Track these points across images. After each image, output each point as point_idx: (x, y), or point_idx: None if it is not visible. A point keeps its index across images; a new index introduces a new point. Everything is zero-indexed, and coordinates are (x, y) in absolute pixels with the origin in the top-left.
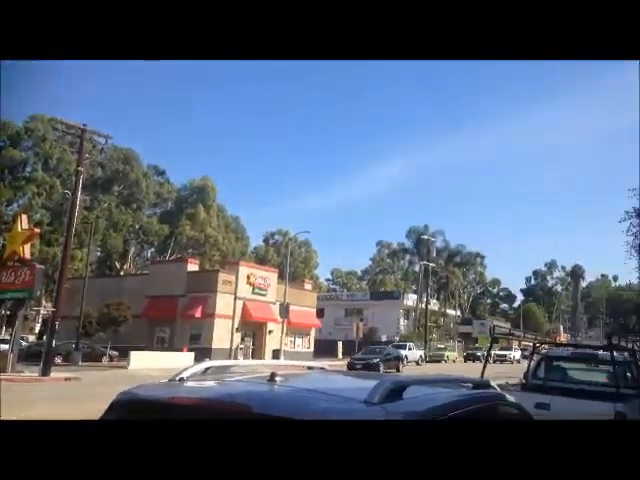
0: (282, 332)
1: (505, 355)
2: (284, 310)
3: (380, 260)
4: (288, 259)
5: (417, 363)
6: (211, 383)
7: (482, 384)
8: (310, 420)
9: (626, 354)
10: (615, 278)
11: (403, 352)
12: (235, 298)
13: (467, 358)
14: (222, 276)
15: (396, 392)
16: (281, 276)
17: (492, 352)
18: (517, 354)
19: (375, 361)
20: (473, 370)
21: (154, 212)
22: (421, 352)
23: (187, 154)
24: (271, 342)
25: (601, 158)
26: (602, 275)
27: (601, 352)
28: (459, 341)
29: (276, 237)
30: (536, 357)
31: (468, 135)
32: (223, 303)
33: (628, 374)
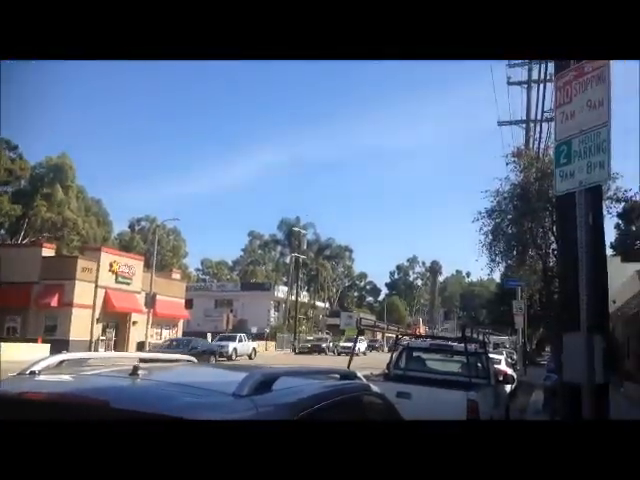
0: (148, 323)
1: (350, 347)
2: (150, 300)
3: (252, 251)
4: (155, 247)
5: (249, 357)
6: (66, 377)
7: (349, 375)
8: (172, 416)
9: (477, 345)
10: (468, 274)
11: (232, 344)
12: (96, 286)
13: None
14: (82, 263)
15: (265, 384)
16: (147, 265)
17: (341, 344)
18: (363, 346)
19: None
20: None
21: (4, 190)
22: (254, 344)
23: (44, 129)
24: (136, 334)
25: (458, 159)
26: (457, 271)
27: (456, 344)
28: (327, 333)
29: (142, 223)
30: (398, 348)
31: (332, 133)
32: (82, 292)
33: (479, 364)
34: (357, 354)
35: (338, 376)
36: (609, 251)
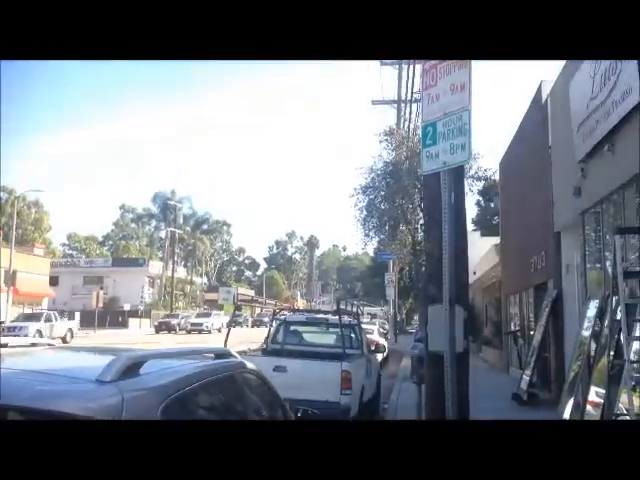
0: (7, 302)
1: (201, 324)
2: (10, 277)
3: (124, 225)
4: (15, 220)
5: (63, 340)
6: None
7: (223, 354)
8: (26, 407)
9: (351, 317)
10: (344, 248)
11: (34, 325)
12: None
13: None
14: None
15: (132, 368)
16: (6, 239)
17: (191, 320)
18: (217, 321)
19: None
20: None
21: None
22: (71, 324)
23: None
24: None
25: (336, 136)
26: (334, 245)
27: (331, 316)
28: (205, 308)
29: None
30: (275, 322)
31: (203, 101)
32: None
33: (352, 335)
34: (209, 331)
35: (212, 355)
36: (470, 226)
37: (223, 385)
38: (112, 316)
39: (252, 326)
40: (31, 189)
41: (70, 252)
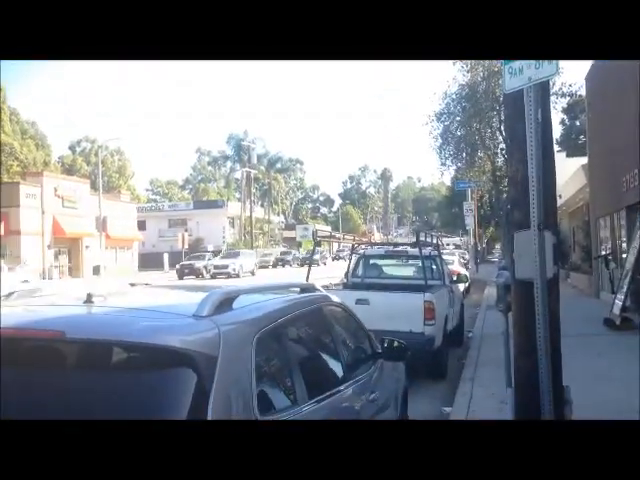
0: (101, 247)
1: (227, 266)
2: (100, 223)
3: (201, 168)
4: (100, 168)
5: (252, 273)
6: (18, 309)
7: (308, 288)
8: (131, 342)
9: (430, 248)
10: (419, 179)
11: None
12: (43, 213)
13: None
14: (24, 189)
15: (226, 303)
16: (94, 187)
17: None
18: (247, 262)
19: (197, 265)
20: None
21: None
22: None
23: None
24: (90, 258)
25: (404, 61)
26: (408, 177)
27: (410, 248)
28: (284, 246)
29: (83, 144)
30: (355, 257)
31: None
32: (29, 218)
33: (433, 267)
34: (237, 275)
35: (298, 289)
36: (555, 147)
37: (311, 317)
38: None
39: (333, 260)
40: (112, 138)
41: (154, 197)
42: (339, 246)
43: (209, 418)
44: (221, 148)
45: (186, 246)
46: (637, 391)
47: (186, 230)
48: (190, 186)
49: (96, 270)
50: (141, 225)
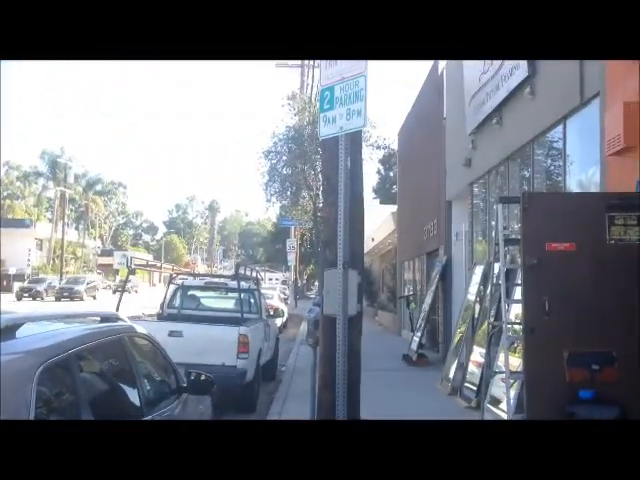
0: None
1: (73, 288)
2: None
3: (9, 183)
4: None
5: None
6: None
7: (110, 317)
8: None
9: (250, 282)
10: (247, 214)
11: None
12: None
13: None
14: None
15: (9, 330)
16: None
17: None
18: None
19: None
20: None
21: None
22: None
23: None
24: None
25: (240, 99)
26: (236, 210)
27: (231, 281)
28: (99, 273)
29: None
30: (172, 287)
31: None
32: None
33: (251, 300)
34: (81, 298)
35: (99, 319)
36: (371, 195)
37: (110, 348)
38: None
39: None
40: None
41: None
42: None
43: None
44: (33, 163)
45: None
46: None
47: None
48: None
49: None
50: None
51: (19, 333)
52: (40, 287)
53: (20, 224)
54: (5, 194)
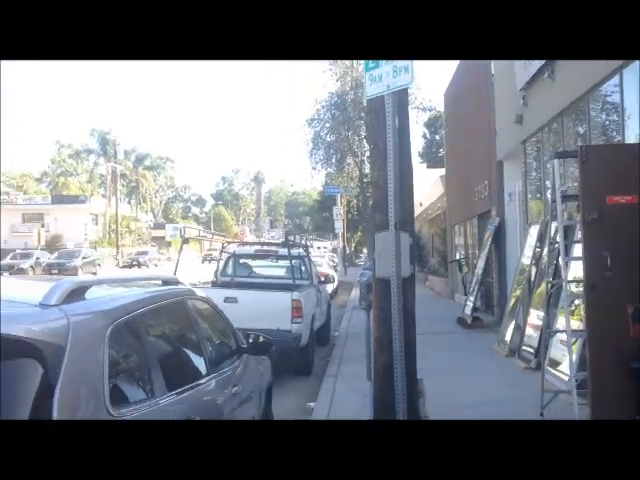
0: None
1: (64, 264)
2: None
3: (61, 161)
4: None
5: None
6: None
7: (170, 281)
8: None
9: (300, 250)
10: (292, 184)
11: None
12: None
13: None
14: None
15: (77, 292)
16: None
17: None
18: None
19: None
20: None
21: None
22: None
23: None
24: None
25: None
26: (281, 180)
27: (280, 249)
28: (152, 245)
29: None
30: (225, 256)
31: None
32: None
33: (302, 267)
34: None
35: (160, 282)
36: (417, 159)
37: (172, 310)
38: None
39: (202, 262)
40: None
41: (5, 190)
42: (210, 245)
43: (55, 411)
44: (84, 141)
45: (42, 243)
46: (485, 383)
47: (43, 225)
48: (48, 179)
49: None
50: None
51: (88, 295)
52: (25, 264)
53: (75, 200)
54: (59, 171)
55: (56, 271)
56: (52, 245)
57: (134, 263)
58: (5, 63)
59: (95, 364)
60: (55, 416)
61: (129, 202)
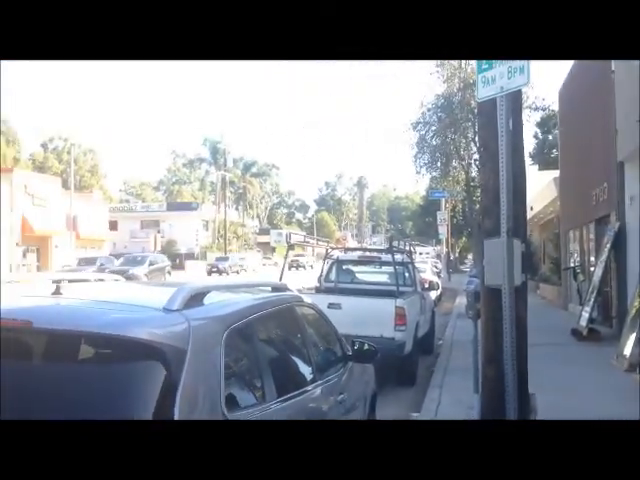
0: (70, 246)
1: (298, 260)
2: (71, 222)
3: (176, 170)
4: (72, 166)
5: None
6: None
7: (280, 287)
8: (99, 333)
9: (404, 256)
10: (395, 188)
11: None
12: (11, 210)
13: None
14: None
15: (196, 298)
16: (65, 186)
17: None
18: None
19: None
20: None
21: None
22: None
23: None
24: (59, 257)
25: (382, 66)
26: (384, 185)
27: (384, 255)
28: (258, 250)
29: (56, 142)
30: (328, 262)
31: None
32: None
33: (405, 273)
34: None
35: (269, 289)
36: (527, 160)
37: (282, 316)
38: (169, 259)
39: (289, 268)
40: (85, 137)
41: (126, 198)
42: (313, 251)
43: (176, 411)
44: (196, 150)
45: (158, 248)
46: (602, 402)
47: (159, 232)
48: (164, 187)
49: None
50: (113, 225)
51: (206, 300)
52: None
53: (188, 207)
54: (174, 180)
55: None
56: (167, 250)
57: (213, 270)
58: (119, 78)
59: (213, 367)
60: (176, 415)
61: (237, 208)
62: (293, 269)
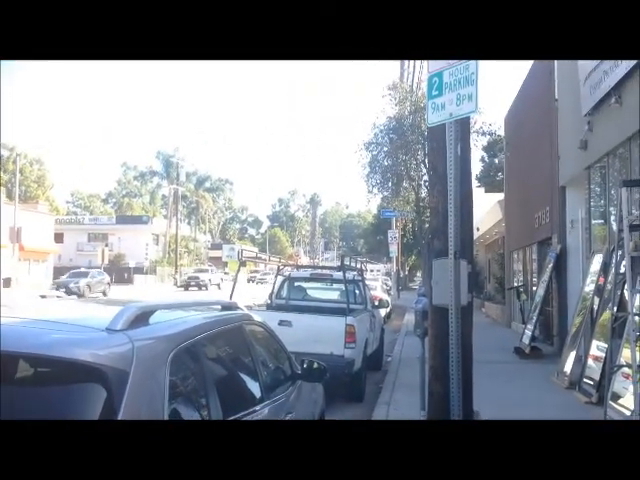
0: (13, 258)
1: (198, 277)
2: (15, 234)
3: (127, 182)
4: (17, 177)
5: (103, 294)
6: None
7: (230, 306)
8: (39, 354)
9: (355, 273)
10: (347, 206)
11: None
12: None
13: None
14: None
15: (141, 317)
16: (10, 196)
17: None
18: (216, 277)
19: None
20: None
21: None
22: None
23: None
24: (2, 269)
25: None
26: (337, 203)
27: (335, 272)
28: (209, 265)
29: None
30: (280, 279)
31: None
32: None
33: (356, 291)
34: (206, 287)
35: (219, 307)
36: (474, 183)
37: (230, 335)
38: (117, 273)
39: (248, 281)
40: (32, 146)
41: (74, 210)
42: (265, 267)
43: None
44: (149, 163)
45: (106, 261)
46: (543, 417)
47: (107, 245)
48: (114, 200)
49: (7, 282)
50: (58, 238)
51: (151, 320)
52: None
53: (138, 220)
54: (124, 193)
55: (63, 289)
56: (115, 264)
57: (192, 284)
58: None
59: (157, 389)
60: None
61: (189, 223)
62: (251, 282)
